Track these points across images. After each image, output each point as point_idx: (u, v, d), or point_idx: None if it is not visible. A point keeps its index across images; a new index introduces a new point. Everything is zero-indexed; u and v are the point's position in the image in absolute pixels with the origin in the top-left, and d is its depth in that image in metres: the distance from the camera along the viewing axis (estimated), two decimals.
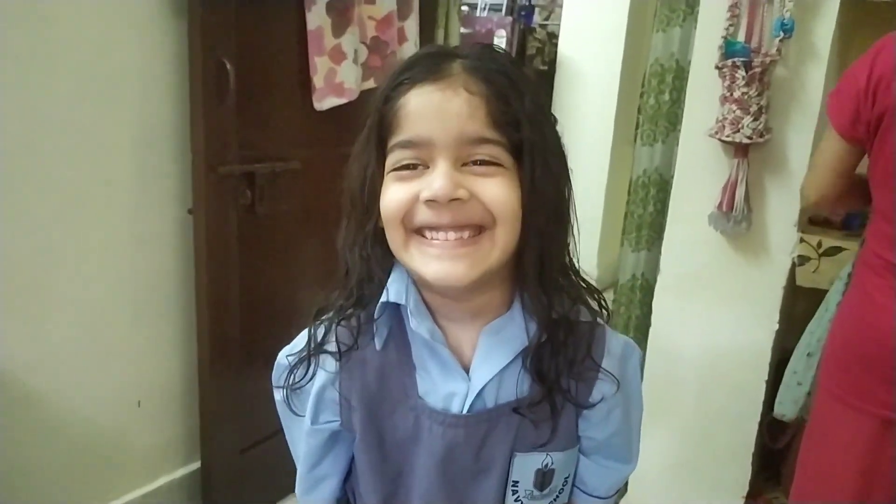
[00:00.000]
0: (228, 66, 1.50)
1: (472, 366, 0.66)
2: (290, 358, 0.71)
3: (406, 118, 0.60)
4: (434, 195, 0.57)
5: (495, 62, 0.62)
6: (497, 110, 0.59)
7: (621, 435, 0.73)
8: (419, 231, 0.60)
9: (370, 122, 0.63)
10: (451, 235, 0.59)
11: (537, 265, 0.63)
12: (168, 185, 1.57)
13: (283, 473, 1.82)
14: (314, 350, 0.68)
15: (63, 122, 1.36)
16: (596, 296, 0.70)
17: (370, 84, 1.86)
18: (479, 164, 0.59)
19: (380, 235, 0.64)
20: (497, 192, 0.59)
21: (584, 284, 0.70)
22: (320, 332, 0.69)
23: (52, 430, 1.44)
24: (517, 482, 0.68)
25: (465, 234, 0.59)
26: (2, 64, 1.25)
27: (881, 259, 1.17)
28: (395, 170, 0.61)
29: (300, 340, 0.71)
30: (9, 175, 1.30)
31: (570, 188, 0.66)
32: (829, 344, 1.29)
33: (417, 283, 0.66)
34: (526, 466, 0.68)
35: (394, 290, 0.65)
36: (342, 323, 0.67)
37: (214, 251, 1.58)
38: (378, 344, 0.67)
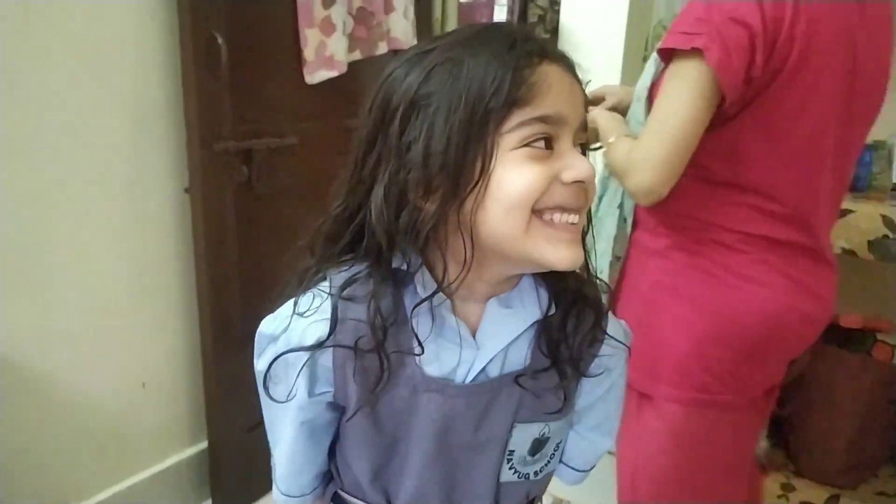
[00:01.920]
0: (220, 39, 1.46)
1: (479, 334, 0.64)
2: (279, 327, 0.67)
3: (545, 92, 0.57)
4: (582, 176, 0.58)
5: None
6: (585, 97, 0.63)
7: (605, 405, 0.74)
8: (538, 214, 0.59)
9: (492, 89, 0.56)
10: (574, 218, 0.60)
11: None
12: (163, 163, 1.54)
13: None
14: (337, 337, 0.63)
15: (55, 102, 1.33)
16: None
17: (356, 56, 1.82)
18: (579, 148, 0.62)
19: (445, 214, 0.59)
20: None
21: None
22: (310, 300, 0.66)
23: (57, 413, 1.44)
24: (513, 451, 0.68)
25: (578, 217, 0.61)
26: None
27: (744, 234, 1.03)
28: (523, 146, 0.57)
29: (286, 309, 0.68)
30: (3, 157, 1.27)
31: None
32: (678, 348, 1.08)
33: (436, 261, 0.61)
34: (524, 436, 0.67)
35: (400, 258, 0.62)
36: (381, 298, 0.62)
37: (212, 229, 1.56)
38: (385, 311, 0.61)
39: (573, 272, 0.65)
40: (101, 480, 1.55)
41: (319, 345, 0.63)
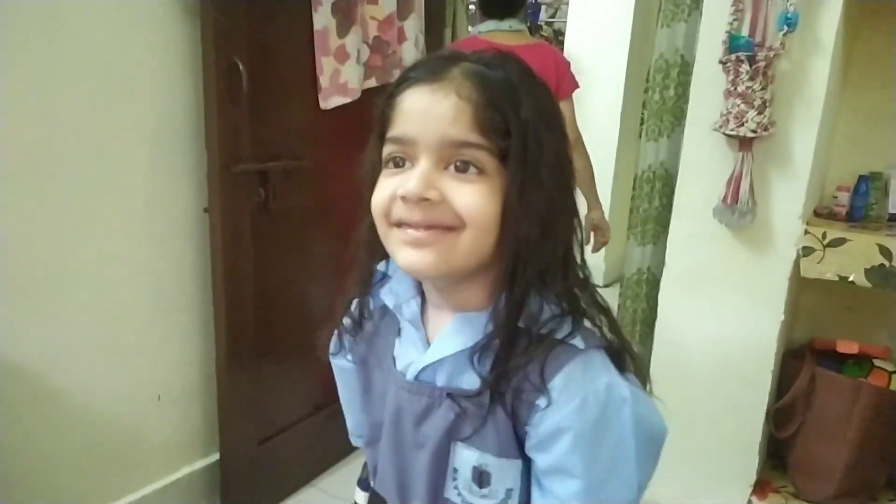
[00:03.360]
0: (241, 66, 1.53)
1: (433, 343, 0.71)
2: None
3: (399, 115, 0.64)
4: (406, 193, 0.61)
5: (500, 69, 0.63)
6: (485, 116, 0.60)
7: (558, 475, 0.63)
8: (398, 224, 0.64)
9: (375, 115, 0.68)
10: (422, 231, 0.62)
11: (511, 273, 0.63)
12: (184, 184, 1.60)
13: (299, 465, 1.88)
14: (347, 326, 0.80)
15: (80, 123, 1.39)
16: (602, 317, 0.68)
17: (371, 83, 1.90)
18: (462, 169, 0.61)
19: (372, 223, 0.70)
20: (470, 198, 0.61)
21: (588, 299, 0.68)
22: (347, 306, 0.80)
23: (73, 423, 1.48)
24: (457, 471, 0.69)
25: (437, 230, 0.62)
26: (18, 67, 1.28)
27: None
28: (386, 164, 0.66)
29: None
30: (28, 176, 1.33)
31: (567, 200, 0.66)
32: None
33: None
34: (463, 459, 0.68)
35: (385, 267, 0.75)
36: (354, 302, 0.78)
37: (230, 248, 1.61)
38: (373, 311, 0.78)
39: (542, 308, 0.64)
40: (114, 491, 1.58)
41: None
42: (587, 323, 0.67)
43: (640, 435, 0.63)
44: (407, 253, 0.63)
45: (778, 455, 1.89)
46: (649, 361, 1.85)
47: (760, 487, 1.80)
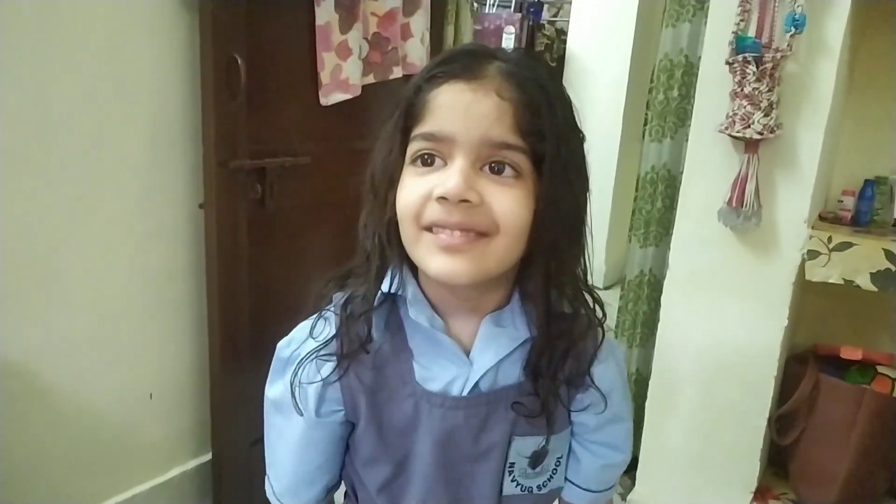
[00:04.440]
0: (239, 61, 1.50)
1: (473, 351, 0.67)
2: (294, 352, 0.71)
3: (434, 111, 0.60)
4: (446, 192, 0.58)
5: (532, 71, 0.62)
6: (524, 118, 0.59)
7: (612, 422, 0.76)
8: (429, 228, 0.60)
9: (398, 109, 0.64)
10: (457, 234, 0.59)
11: (544, 276, 0.64)
12: (179, 179, 1.58)
13: None
14: (343, 354, 0.68)
15: (75, 117, 1.37)
16: (598, 305, 0.72)
17: (370, 80, 1.88)
18: (497, 171, 0.59)
19: (395, 225, 0.64)
20: (508, 203, 0.59)
21: (589, 292, 0.71)
22: (322, 326, 0.70)
23: (65, 422, 1.45)
24: (513, 463, 0.70)
25: (471, 234, 0.60)
26: (14, 61, 1.26)
27: None
28: (413, 161, 0.62)
29: (300, 332, 0.72)
30: (22, 170, 1.31)
31: (587, 203, 0.66)
32: None
33: (423, 279, 0.68)
34: (523, 449, 0.70)
35: (390, 280, 0.67)
36: (357, 316, 0.67)
37: (225, 245, 1.59)
38: (376, 334, 0.68)
39: (563, 302, 0.67)
40: (105, 490, 1.56)
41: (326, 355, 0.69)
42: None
43: (624, 371, 0.79)
44: (441, 260, 0.60)
45: (779, 462, 1.86)
46: (650, 364, 1.83)
47: (761, 494, 1.78)
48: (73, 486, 1.49)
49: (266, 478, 0.78)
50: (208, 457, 1.72)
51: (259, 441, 1.76)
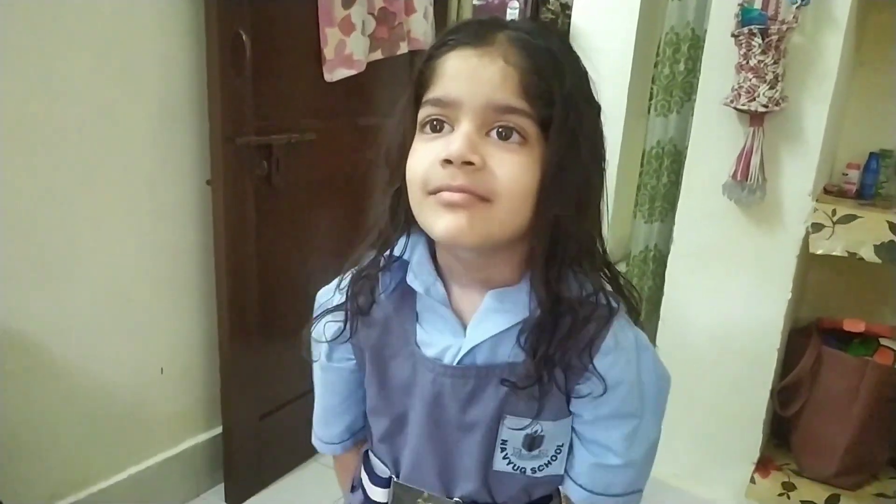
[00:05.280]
0: (244, 37, 1.50)
1: (469, 324, 0.68)
2: (324, 302, 0.77)
3: (441, 77, 0.61)
4: (449, 154, 0.58)
5: (542, 38, 0.62)
6: (531, 83, 0.59)
7: (611, 418, 0.69)
8: (435, 193, 0.61)
9: (411, 78, 0.65)
10: (456, 195, 0.59)
11: (547, 249, 0.63)
12: (186, 156, 1.58)
13: (301, 439, 1.87)
14: (349, 315, 0.73)
15: (83, 95, 1.37)
16: (619, 289, 0.70)
17: (377, 55, 1.87)
18: (504, 136, 0.59)
19: (405, 193, 0.65)
20: (510, 168, 0.59)
21: (614, 276, 0.71)
22: (348, 280, 0.75)
23: (77, 396, 1.48)
24: (506, 441, 0.69)
25: (473, 197, 0.60)
26: (21, 40, 1.27)
27: None
28: (422, 128, 0.63)
29: (335, 283, 0.77)
30: (31, 149, 1.32)
31: (601, 176, 0.66)
32: None
33: (435, 245, 0.69)
34: (514, 430, 0.69)
35: (402, 245, 0.70)
36: (362, 279, 0.72)
37: (232, 221, 1.60)
38: (383, 295, 0.72)
39: (576, 283, 0.65)
40: (118, 462, 1.59)
41: (335, 310, 0.74)
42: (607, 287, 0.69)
43: (659, 379, 0.70)
44: (445, 220, 0.60)
45: (781, 433, 1.89)
46: (655, 338, 1.84)
47: (763, 465, 1.81)
48: (85, 459, 1.52)
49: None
50: (219, 430, 1.75)
51: (268, 415, 1.80)
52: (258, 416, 1.76)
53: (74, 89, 1.36)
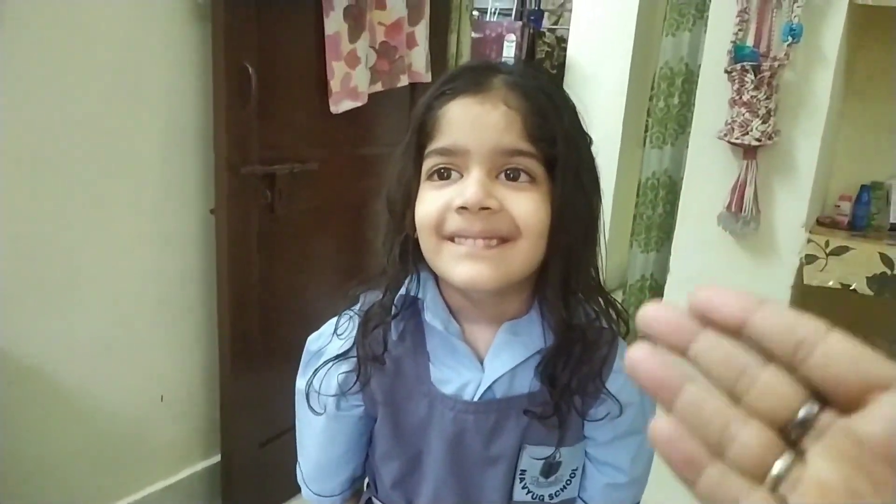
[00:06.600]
0: (250, 69, 1.54)
1: (486, 358, 0.69)
2: (321, 348, 0.75)
3: (445, 126, 0.63)
4: (466, 202, 0.59)
5: (535, 80, 0.64)
6: (533, 125, 0.61)
7: (624, 436, 0.72)
8: (451, 238, 0.62)
9: (411, 128, 0.66)
10: (480, 242, 0.61)
11: (561, 279, 0.65)
12: (191, 185, 1.61)
13: None
14: (360, 363, 0.71)
15: (90, 124, 1.40)
16: (617, 313, 0.72)
17: (377, 88, 1.91)
18: (512, 178, 0.61)
19: (413, 241, 0.67)
20: (526, 206, 0.61)
21: (608, 300, 0.72)
22: (347, 324, 0.73)
23: (77, 422, 1.48)
24: (524, 471, 0.70)
25: (493, 242, 0.61)
26: (31, 69, 1.29)
27: None
28: (430, 177, 0.64)
29: (328, 327, 0.75)
30: (37, 175, 1.34)
31: (600, 206, 0.69)
32: None
33: (443, 286, 0.70)
34: (535, 457, 0.70)
35: (413, 285, 0.70)
36: (373, 324, 0.70)
37: (235, 250, 1.62)
38: (394, 334, 0.71)
39: (581, 311, 0.67)
40: (117, 489, 1.58)
41: (343, 354, 0.72)
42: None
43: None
44: (465, 267, 0.61)
45: None
46: None
47: None
48: (85, 485, 1.52)
49: (297, 463, 0.82)
50: (218, 458, 1.74)
51: (267, 442, 1.80)
52: (258, 444, 1.76)
53: (82, 117, 1.39)
